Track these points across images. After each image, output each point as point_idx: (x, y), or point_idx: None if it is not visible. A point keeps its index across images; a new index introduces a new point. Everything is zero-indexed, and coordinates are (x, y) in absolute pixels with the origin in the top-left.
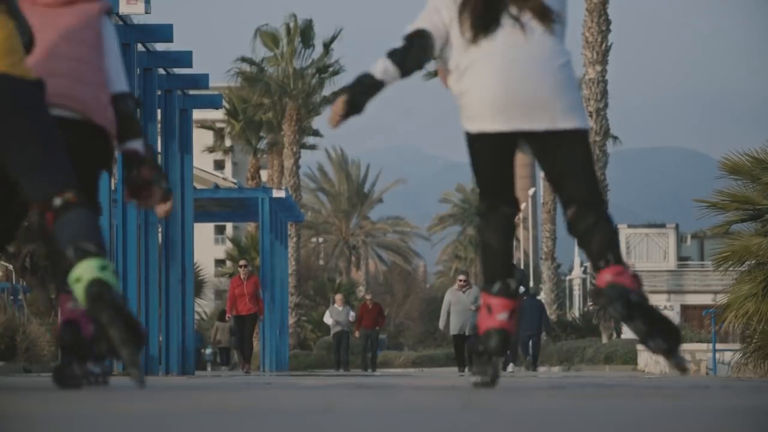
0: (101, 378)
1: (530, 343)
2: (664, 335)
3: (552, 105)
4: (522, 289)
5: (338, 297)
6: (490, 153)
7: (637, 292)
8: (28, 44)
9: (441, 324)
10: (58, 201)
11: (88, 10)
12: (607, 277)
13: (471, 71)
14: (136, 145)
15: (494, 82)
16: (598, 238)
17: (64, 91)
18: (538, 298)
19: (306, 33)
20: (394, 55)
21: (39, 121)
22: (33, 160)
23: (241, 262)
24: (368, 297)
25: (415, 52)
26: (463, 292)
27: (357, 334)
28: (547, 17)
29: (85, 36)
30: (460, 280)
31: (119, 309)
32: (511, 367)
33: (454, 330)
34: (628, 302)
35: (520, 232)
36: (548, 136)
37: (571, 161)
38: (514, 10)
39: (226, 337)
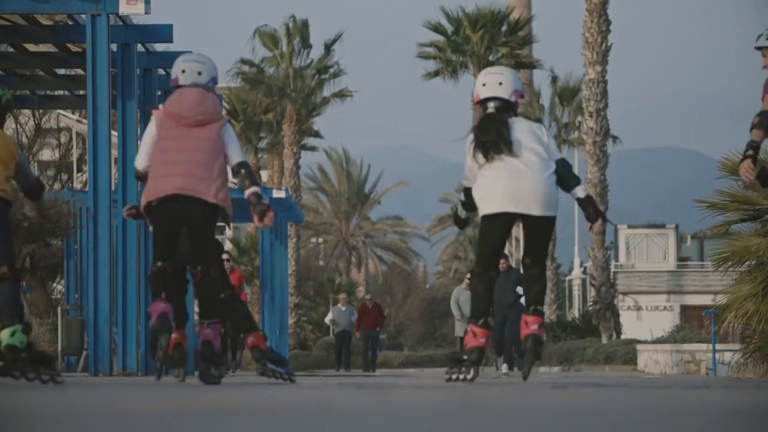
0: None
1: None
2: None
3: (541, 200)
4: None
5: (341, 297)
6: (499, 228)
7: (540, 338)
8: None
9: (458, 314)
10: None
11: (214, 127)
12: (529, 324)
13: (487, 178)
14: (256, 189)
15: (505, 183)
16: (536, 288)
17: (191, 186)
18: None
19: (303, 32)
20: (463, 205)
21: None
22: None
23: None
24: (368, 297)
25: (471, 202)
26: None
27: (358, 334)
28: (521, 152)
29: (208, 147)
30: (469, 279)
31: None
32: (505, 368)
33: (461, 332)
34: (538, 347)
35: (520, 233)
36: (536, 219)
37: (543, 236)
38: (511, 147)
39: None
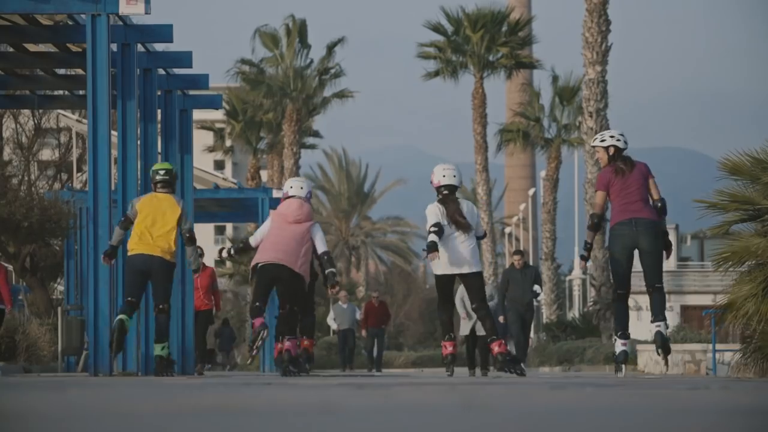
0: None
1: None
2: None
3: (470, 262)
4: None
5: (342, 294)
6: (447, 283)
7: (508, 353)
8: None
9: (463, 313)
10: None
11: (306, 226)
12: (495, 348)
13: (442, 244)
14: (331, 269)
15: (448, 251)
16: (488, 323)
17: (286, 259)
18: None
19: (302, 32)
20: (435, 233)
21: None
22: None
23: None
24: (374, 295)
25: (439, 231)
26: None
27: (364, 333)
28: (468, 229)
29: (299, 238)
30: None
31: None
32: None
33: (465, 330)
34: (506, 362)
35: (520, 233)
36: (469, 275)
37: (477, 286)
38: (456, 224)
39: (211, 339)
